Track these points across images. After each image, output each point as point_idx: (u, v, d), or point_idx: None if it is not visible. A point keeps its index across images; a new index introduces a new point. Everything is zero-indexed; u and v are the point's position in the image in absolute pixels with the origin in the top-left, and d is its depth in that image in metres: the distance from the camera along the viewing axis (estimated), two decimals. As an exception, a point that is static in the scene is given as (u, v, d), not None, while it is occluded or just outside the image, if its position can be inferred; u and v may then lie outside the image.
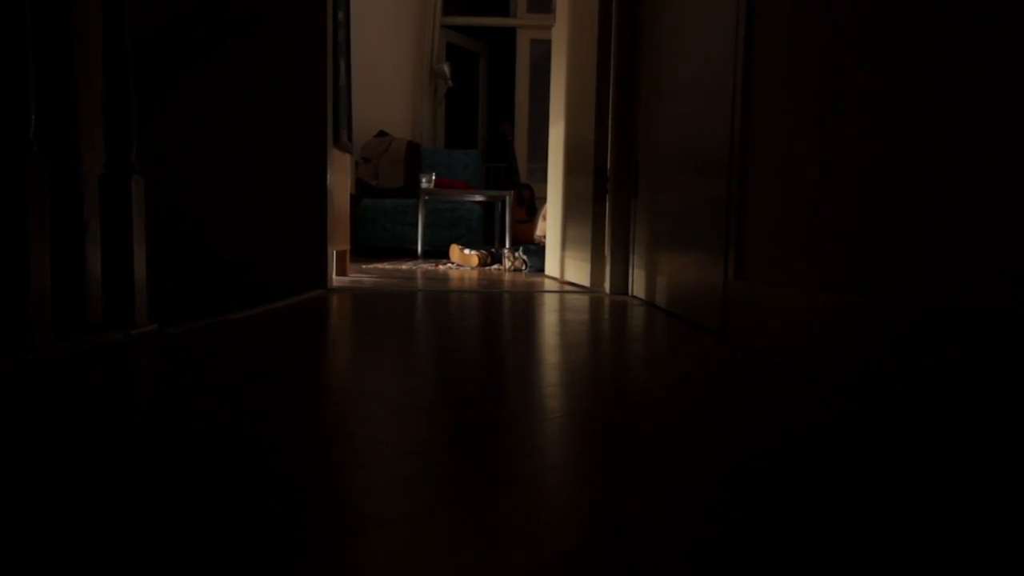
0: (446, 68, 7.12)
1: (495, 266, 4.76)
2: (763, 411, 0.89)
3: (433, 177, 5.51)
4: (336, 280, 3.23)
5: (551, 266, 3.79)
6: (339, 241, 3.15)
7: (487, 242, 6.51)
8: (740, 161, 1.49)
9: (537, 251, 4.47)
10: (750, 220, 1.45)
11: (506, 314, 2.01)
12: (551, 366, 1.18)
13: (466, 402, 0.91)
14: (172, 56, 1.53)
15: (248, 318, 1.74)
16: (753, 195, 1.43)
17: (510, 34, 8.14)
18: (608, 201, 2.84)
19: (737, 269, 1.49)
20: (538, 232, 5.45)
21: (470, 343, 1.42)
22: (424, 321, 1.78)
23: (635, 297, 2.63)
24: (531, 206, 6.60)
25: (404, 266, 4.60)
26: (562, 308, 2.20)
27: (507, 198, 5.53)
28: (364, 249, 6.14)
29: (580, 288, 3.02)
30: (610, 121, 2.79)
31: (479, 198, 5.76)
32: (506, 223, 5.53)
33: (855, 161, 1.04)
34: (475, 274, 4.04)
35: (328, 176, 2.69)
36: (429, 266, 4.67)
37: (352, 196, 6.18)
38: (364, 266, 4.52)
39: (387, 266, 4.58)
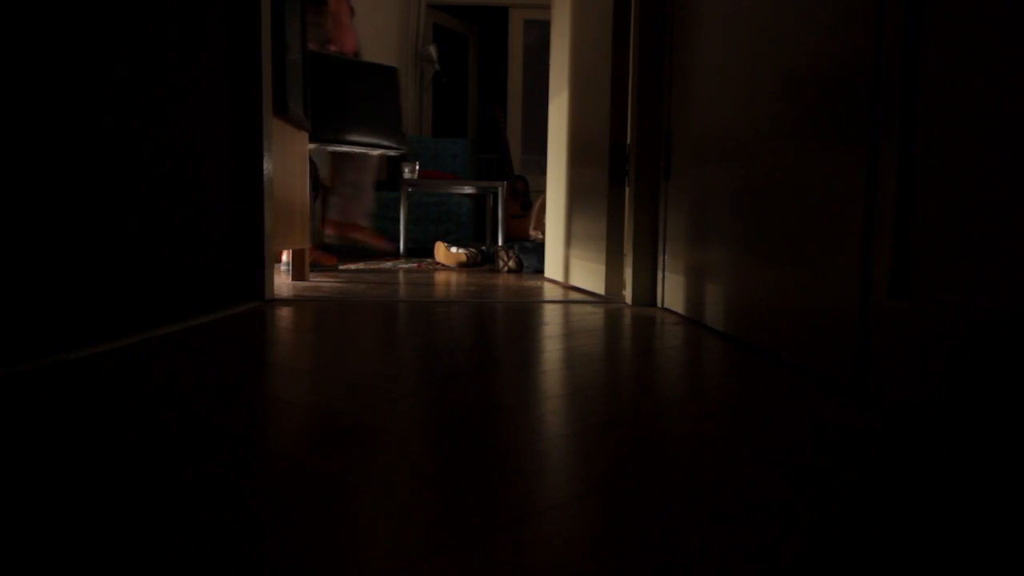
0: (432, 51, 6.50)
1: (486, 266, 4.14)
2: None
3: (417, 167, 4.89)
4: (291, 286, 2.60)
5: (552, 267, 3.17)
6: (293, 238, 2.53)
7: (478, 238, 5.90)
8: (902, 105, 0.88)
9: (534, 249, 3.86)
10: (926, 205, 0.84)
11: (500, 342, 1.39)
12: (574, 498, 0.57)
13: None
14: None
15: (107, 355, 1.12)
16: (935, 163, 0.83)
17: (502, 14, 7.54)
18: (629, 186, 2.23)
19: (894, 283, 0.89)
20: (534, 227, 4.86)
21: (444, 415, 0.81)
22: (383, 358, 1.17)
23: (668, 310, 2.02)
24: (526, 199, 6.00)
25: (381, 266, 3.98)
26: (574, 331, 1.59)
27: (499, 190, 4.91)
28: (342, 247, 5.50)
29: (592, 297, 2.41)
30: (631, 79, 2.18)
31: (468, 190, 5.14)
32: (498, 218, 4.91)
33: None
34: (463, 276, 3.42)
35: (267, 155, 2.06)
36: (411, 266, 4.05)
37: (329, 188, 5.54)
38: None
39: (360, 266, 3.95)
